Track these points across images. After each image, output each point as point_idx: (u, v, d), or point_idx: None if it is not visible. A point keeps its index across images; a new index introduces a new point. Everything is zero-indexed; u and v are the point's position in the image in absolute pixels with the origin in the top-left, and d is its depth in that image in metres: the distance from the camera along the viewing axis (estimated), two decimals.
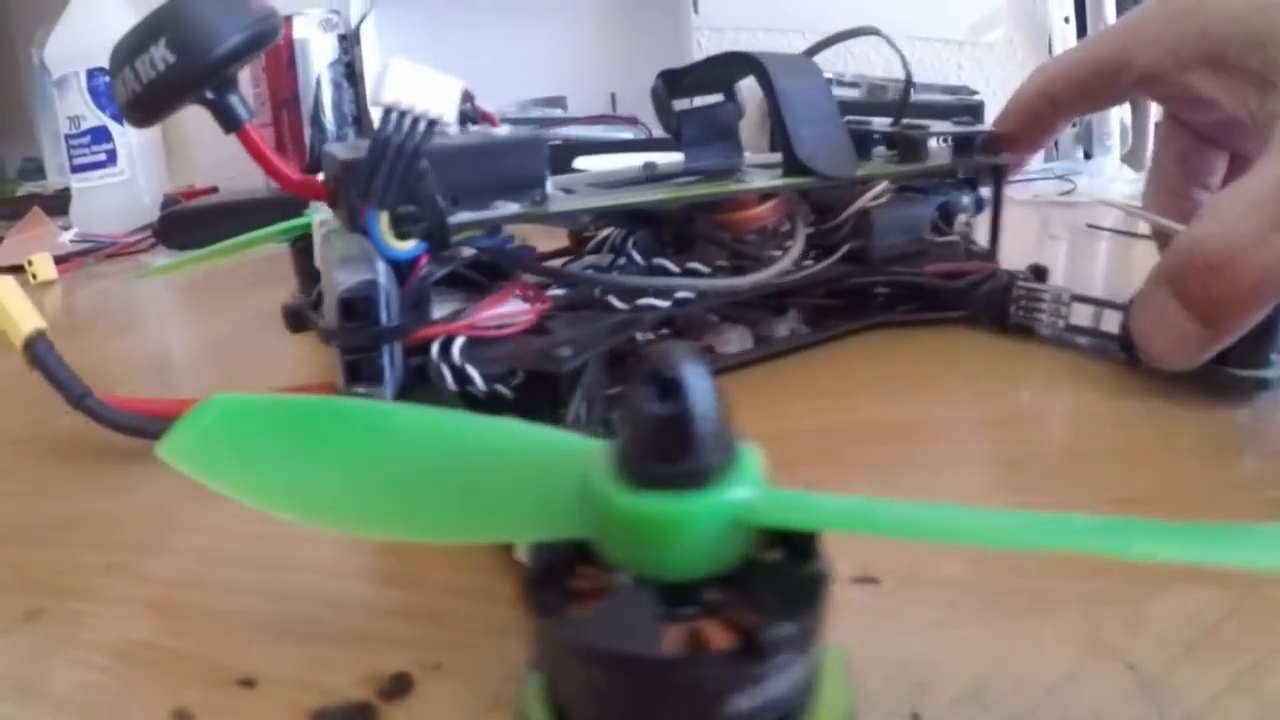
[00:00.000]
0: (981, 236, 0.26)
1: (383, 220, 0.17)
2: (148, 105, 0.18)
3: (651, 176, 0.23)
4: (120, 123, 0.54)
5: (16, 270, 0.45)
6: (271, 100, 0.56)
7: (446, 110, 0.16)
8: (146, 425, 0.20)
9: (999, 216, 0.26)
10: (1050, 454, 0.17)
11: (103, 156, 0.54)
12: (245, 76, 0.59)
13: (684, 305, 0.20)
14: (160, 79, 0.17)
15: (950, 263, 0.24)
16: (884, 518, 0.09)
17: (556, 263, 0.22)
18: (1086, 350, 0.21)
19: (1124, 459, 0.16)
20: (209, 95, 0.18)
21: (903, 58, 0.27)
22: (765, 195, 0.21)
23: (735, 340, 0.22)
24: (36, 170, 0.74)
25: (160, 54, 0.17)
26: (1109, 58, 0.21)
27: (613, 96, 0.62)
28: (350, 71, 0.59)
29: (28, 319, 0.19)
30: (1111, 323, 0.20)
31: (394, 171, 0.16)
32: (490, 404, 0.17)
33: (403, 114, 0.15)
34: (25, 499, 0.19)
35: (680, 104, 0.24)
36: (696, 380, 0.08)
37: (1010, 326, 0.23)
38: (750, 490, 0.09)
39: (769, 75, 0.21)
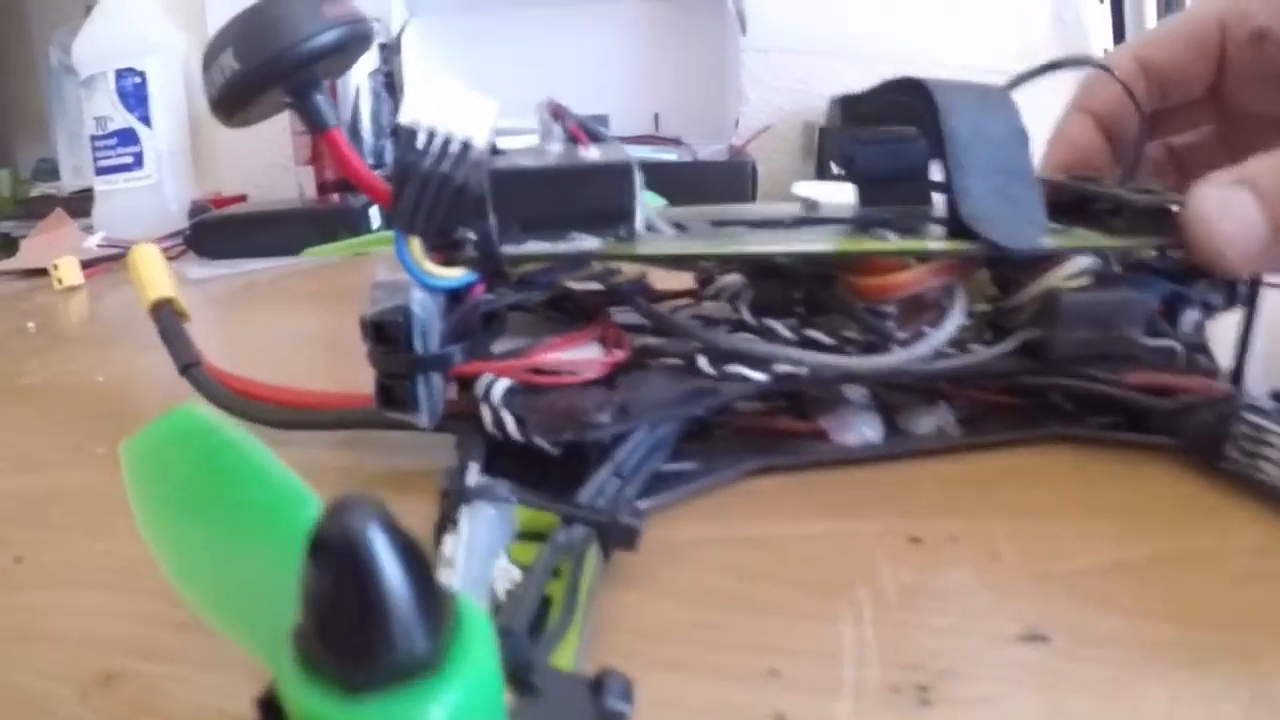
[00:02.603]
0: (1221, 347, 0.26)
1: (413, 245, 0.21)
2: (225, 107, 0.25)
3: (801, 219, 0.26)
4: (149, 125, 0.68)
5: (40, 273, 0.57)
6: None
7: (477, 132, 0.20)
8: (243, 406, 0.26)
9: (1252, 326, 0.26)
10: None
11: (129, 159, 0.68)
12: None
13: (784, 381, 0.23)
14: (228, 84, 0.24)
15: (1160, 374, 0.24)
16: None
17: (663, 306, 0.26)
18: None
19: None
20: (286, 99, 0.25)
21: (1134, 98, 0.30)
22: (921, 258, 0.24)
23: (860, 429, 0.24)
24: (50, 171, 0.92)
25: (228, 61, 0.24)
26: (1213, 16, 0.28)
27: (656, 116, 0.79)
28: (390, 81, 0.74)
29: (158, 286, 0.28)
30: None
31: (422, 196, 0.20)
32: (533, 458, 0.20)
33: (431, 135, 0.20)
34: (79, 534, 0.21)
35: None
36: (369, 556, 0.09)
37: (1223, 468, 0.22)
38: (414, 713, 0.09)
39: (937, 108, 0.24)
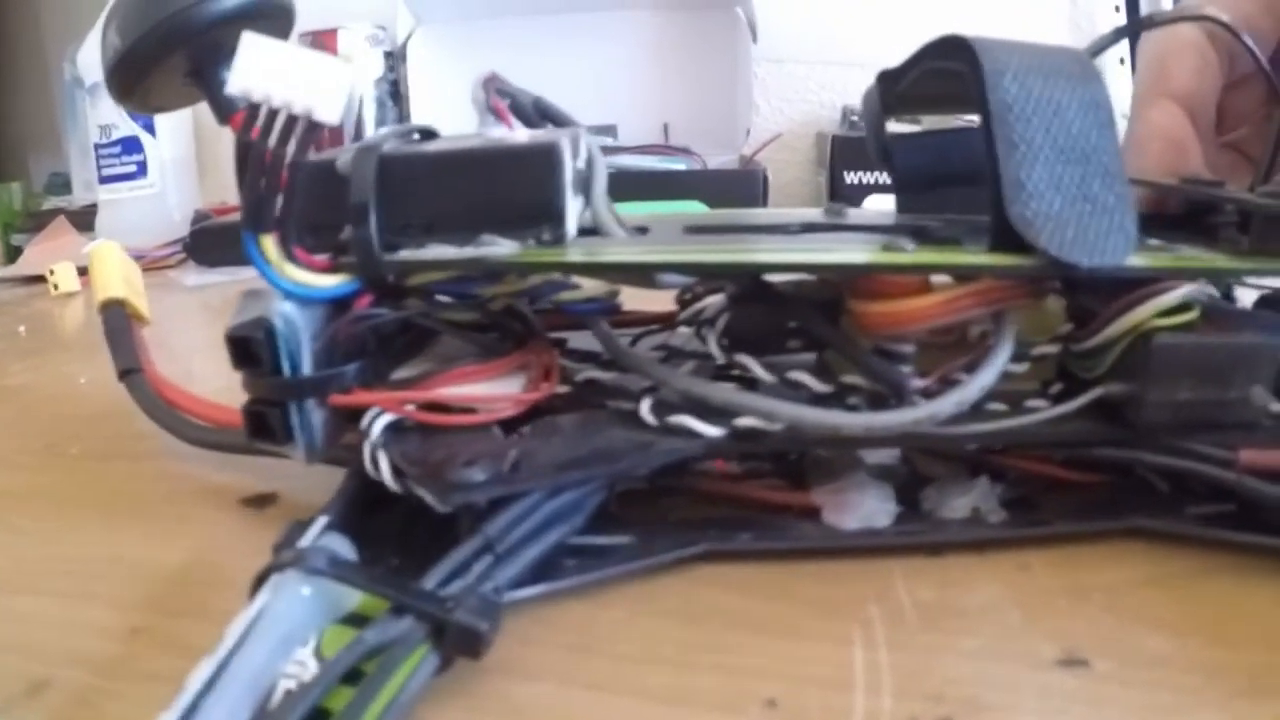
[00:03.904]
0: None
1: (265, 245, 0.18)
2: (115, 89, 0.25)
3: (811, 226, 0.23)
4: (152, 133, 0.72)
5: (38, 280, 0.61)
6: None
7: (324, 106, 0.17)
8: (169, 418, 0.26)
9: None
10: None
11: (133, 168, 0.72)
12: None
13: (745, 440, 0.19)
14: (111, 63, 0.24)
15: None
16: None
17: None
18: None
19: None
20: (189, 80, 0.25)
21: (1260, 61, 0.26)
22: (963, 278, 0.20)
23: (863, 508, 0.20)
24: (63, 185, 0.99)
25: (112, 38, 0.24)
26: None
27: (665, 127, 0.83)
28: (395, 90, 0.80)
29: (110, 287, 0.29)
30: None
31: (267, 185, 0.18)
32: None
33: (274, 110, 0.18)
34: (35, 538, 0.22)
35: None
36: None
37: None
38: None
39: (981, 70, 0.20)
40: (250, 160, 0.18)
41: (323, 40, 0.76)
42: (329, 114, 0.18)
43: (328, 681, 0.14)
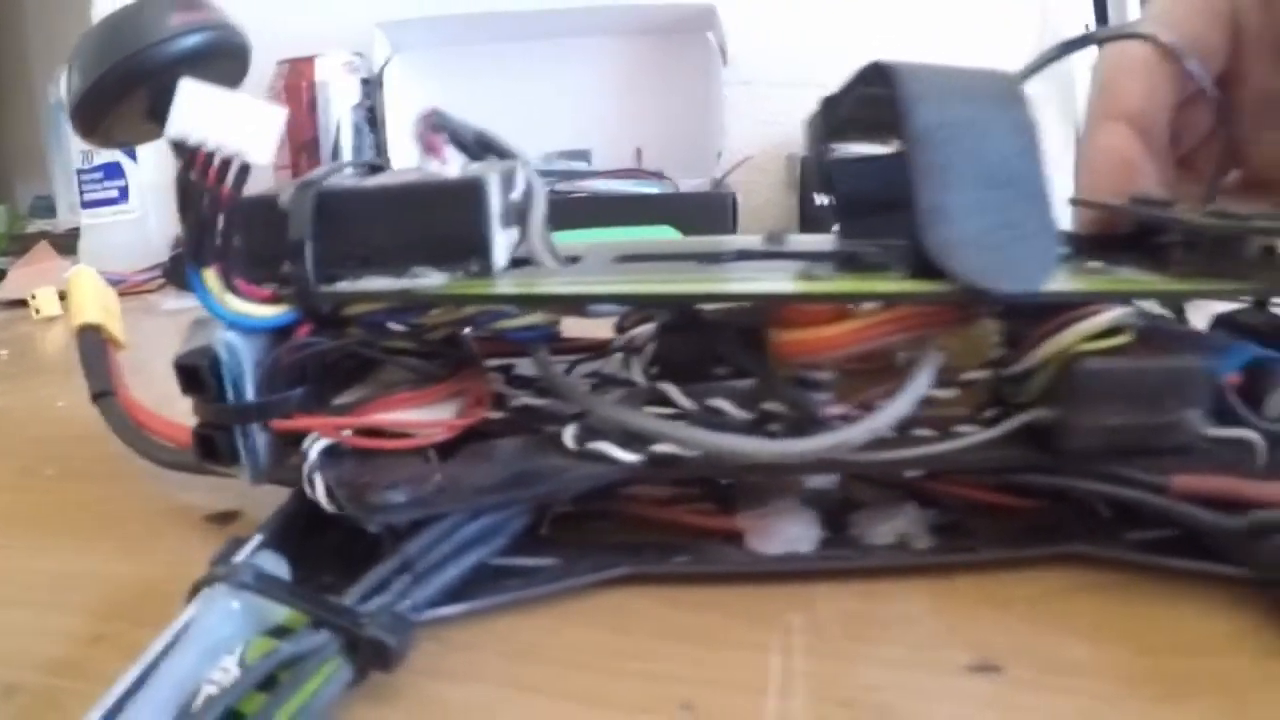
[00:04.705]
0: None
1: (208, 278, 0.20)
2: (79, 127, 0.26)
3: (745, 254, 0.24)
4: (134, 159, 0.74)
5: (22, 304, 0.64)
6: (290, 143, 0.79)
7: (256, 148, 0.19)
8: (138, 440, 0.28)
9: None
10: None
11: (115, 193, 0.74)
12: None
13: (662, 466, 0.20)
14: (73, 104, 0.25)
15: (1225, 477, 0.20)
16: None
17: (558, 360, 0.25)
18: None
19: None
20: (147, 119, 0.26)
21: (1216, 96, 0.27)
22: (891, 306, 0.20)
23: (786, 534, 0.21)
24: (48, 208, 1.02)
25: (75, 80, 0.25)
26: None
27: (638, 151, 0.88)
28: (372, 116, 0.84)
29: (88, 311, 0.31)
30: None
31: (206, 221, 0.20)
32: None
33: (210, 153, 0.19)
34: (9, 553, 0.25)
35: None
36: None
37: None
38: None
39: (901, 94, 0.20)
40: (190, 199, 0.20)
41: (300, 68, 0.78)
42: (260, 155, 0.20)
43: (244, 687, 0.15)
